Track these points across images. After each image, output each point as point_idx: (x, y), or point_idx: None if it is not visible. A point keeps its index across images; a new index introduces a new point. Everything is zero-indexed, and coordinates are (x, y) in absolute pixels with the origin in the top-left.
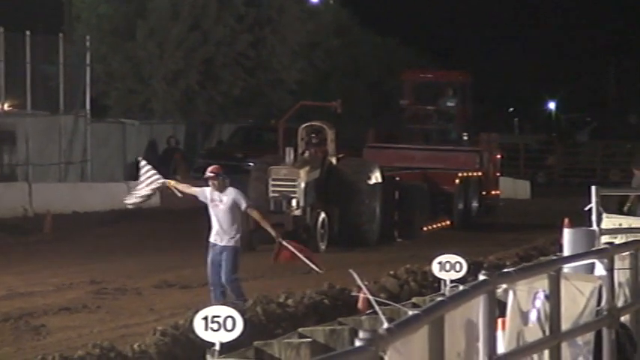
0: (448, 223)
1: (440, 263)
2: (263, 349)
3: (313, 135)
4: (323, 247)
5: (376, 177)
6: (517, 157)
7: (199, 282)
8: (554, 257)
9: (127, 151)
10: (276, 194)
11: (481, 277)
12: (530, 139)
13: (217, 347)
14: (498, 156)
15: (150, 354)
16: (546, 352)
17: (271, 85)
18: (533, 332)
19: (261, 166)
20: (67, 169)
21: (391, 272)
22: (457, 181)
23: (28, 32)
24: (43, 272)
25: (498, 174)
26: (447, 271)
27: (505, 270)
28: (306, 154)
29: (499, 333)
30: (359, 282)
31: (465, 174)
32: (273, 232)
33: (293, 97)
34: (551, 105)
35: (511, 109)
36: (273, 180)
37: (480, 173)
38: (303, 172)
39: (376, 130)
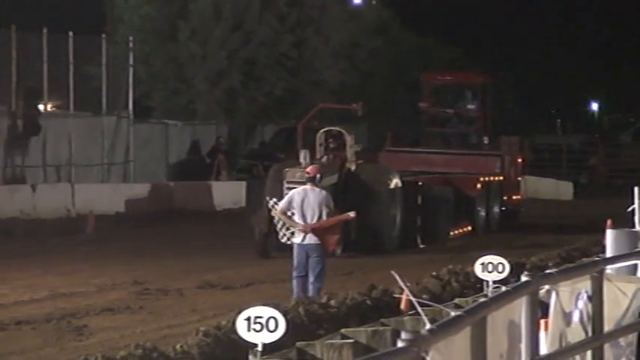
0: (469, 228)
1: (482, 264)
2: (305, 350)
3: (331, 140)
4: (339, 251)
5: (396, 182)
6: (560, 158)
7: (242, 282)
8: (597, 258)
9: (169, 152)
10: None
11: (523, 278)
12: (573, 140)
13: (260, 348)
14: (520, 159)
15: (192, 355)
16: (589, 353)
17: (313, 86)
18: (576, 333)
19: (278, 169)
20: (109, 170)
21: (434, 273)
22: (479, 185)
23: (70, 33)
24: (86, 273)
25: (519, 178)
26: (489, 272)
27: (547, 271)
28: (324, 159)
29: (542, 334)
30: (401, 283)
31: (486, 178)
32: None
33: (335, 97)
34: (594, 106)
35: (554, 110)
36: (288, 182)
37: (501, 177)
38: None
39: (394, 134)
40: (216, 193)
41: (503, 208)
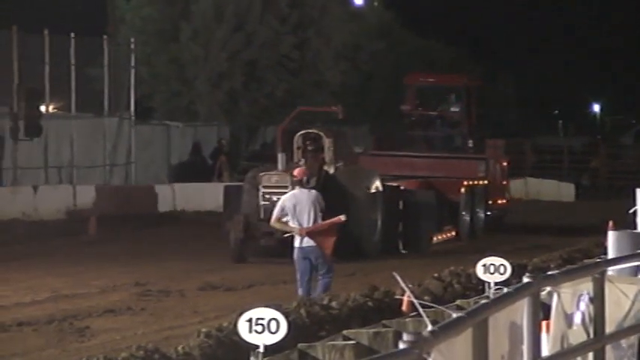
0: (453, 233)
1: (484, 266)
2: (307, 352)
3: (309, 142)
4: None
5: (376, 186)
6: (561, 159)
7: (243, 284)
8: (599, 260)
9: (171, 153)
10: (266, 202)
11: (525, 280)
12: (574, 142)
13: (261, 349)
14: (505, 163)
15: (194, 356)
16: (590, 355)
17: (315, 87)
18: (577, 335)
19: (254, 174)
20: (111, 171)
21: (435, 274)
22: (463, 189)
23: (72, 34)
24: (88, 274)
25: (505, 182)
26: (491, 274)
27: (549, 272)
28: (301, 162)
29: (543, 335)
30: (403, 284)
31: (470, 182)
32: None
33: (336, 98)
34: (596, 107)
35: (555, 112)
36: (264, 187)
37: (485, 181)
38: None
39: (378, 137)
40: (218, 195)
41: (489, 213)
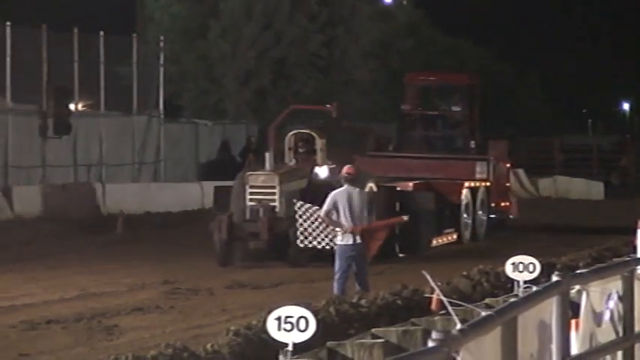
0: (454, 237)
1: (513, 264)
2: (336, 350)
3: (301, 143)
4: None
5: (370, 187)
6: (590, 157)
7: (271, 282)
8: (628, 258)
9: (199, 151)
10: (253, 203)
11: (554, 278)
12: (604, 140)
13: (290, 348)
14: (508, 165)
15: (222, 354)
16: (619, 354)
17: (344, 85)
18: (606, 333)
19: (243, 174)
20: (140, 170)
21: (464, 273)
22: (464, 191)
23: (101, 33)
24: (116, 272)
25: (508, 184)
26: (520, 272)
27: (578, 271)
28: (292, 162)
29: (572, 334)
30: (432, 283)
31: (472, 184)
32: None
33: (365, 97)
34: (625, 106)
35: (585, 110)
36: (251, 187)
37: (488, 183)
38: (283, 178)
39: (377, 137)
40: None
41: (492, 216)
